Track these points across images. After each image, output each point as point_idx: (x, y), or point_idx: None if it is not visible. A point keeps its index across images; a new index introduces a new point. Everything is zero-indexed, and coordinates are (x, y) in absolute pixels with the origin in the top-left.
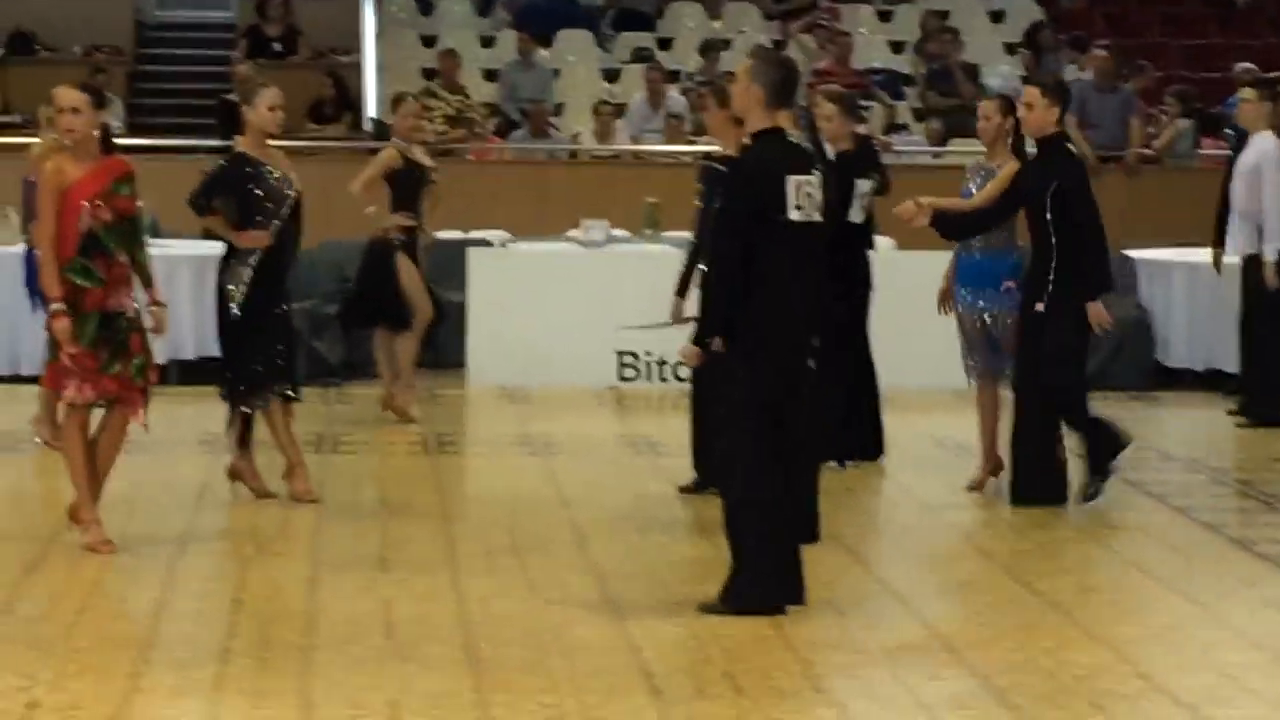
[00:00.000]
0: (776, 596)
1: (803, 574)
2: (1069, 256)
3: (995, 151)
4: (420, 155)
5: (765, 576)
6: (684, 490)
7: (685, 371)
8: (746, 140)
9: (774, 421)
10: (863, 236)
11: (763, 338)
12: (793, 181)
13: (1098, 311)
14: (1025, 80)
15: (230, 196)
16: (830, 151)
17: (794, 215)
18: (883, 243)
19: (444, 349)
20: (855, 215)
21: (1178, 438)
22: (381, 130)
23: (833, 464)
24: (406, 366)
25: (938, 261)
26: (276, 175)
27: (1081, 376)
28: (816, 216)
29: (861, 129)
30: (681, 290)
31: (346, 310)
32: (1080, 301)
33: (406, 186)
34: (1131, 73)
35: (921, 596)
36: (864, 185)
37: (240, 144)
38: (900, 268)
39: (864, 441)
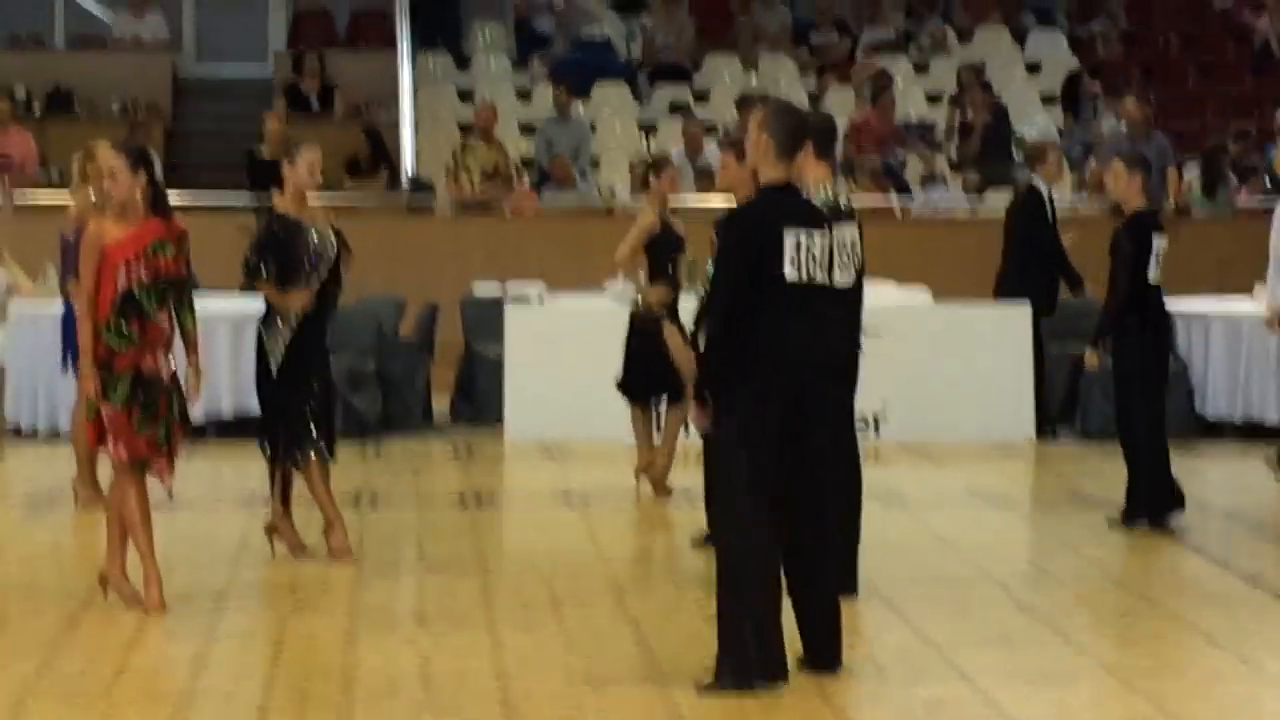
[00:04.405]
0: (763, 674)
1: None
2: None
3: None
4: (674, 220)
5: (749, 651)
6: (698, 543)
7: None
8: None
9: (771, 489)
10: None
11: (756, 396)
12: (790, 238)
13: None
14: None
15: (272, 258)
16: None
17: (788, 272)
18: (919, 294)
19: (482, 404)
20: None
21: (1217, 490)
22: (419, 184)
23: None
24: (672, 435)
25: (974, 314)
26: (317, 235)
27: None
28: (820, 277)
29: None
30: (694, 342)
31: (625, 381)
32: None
33: (663, 253)
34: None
35: (962, 650)
36: None
37: (279, 203)
38: (942, 320)
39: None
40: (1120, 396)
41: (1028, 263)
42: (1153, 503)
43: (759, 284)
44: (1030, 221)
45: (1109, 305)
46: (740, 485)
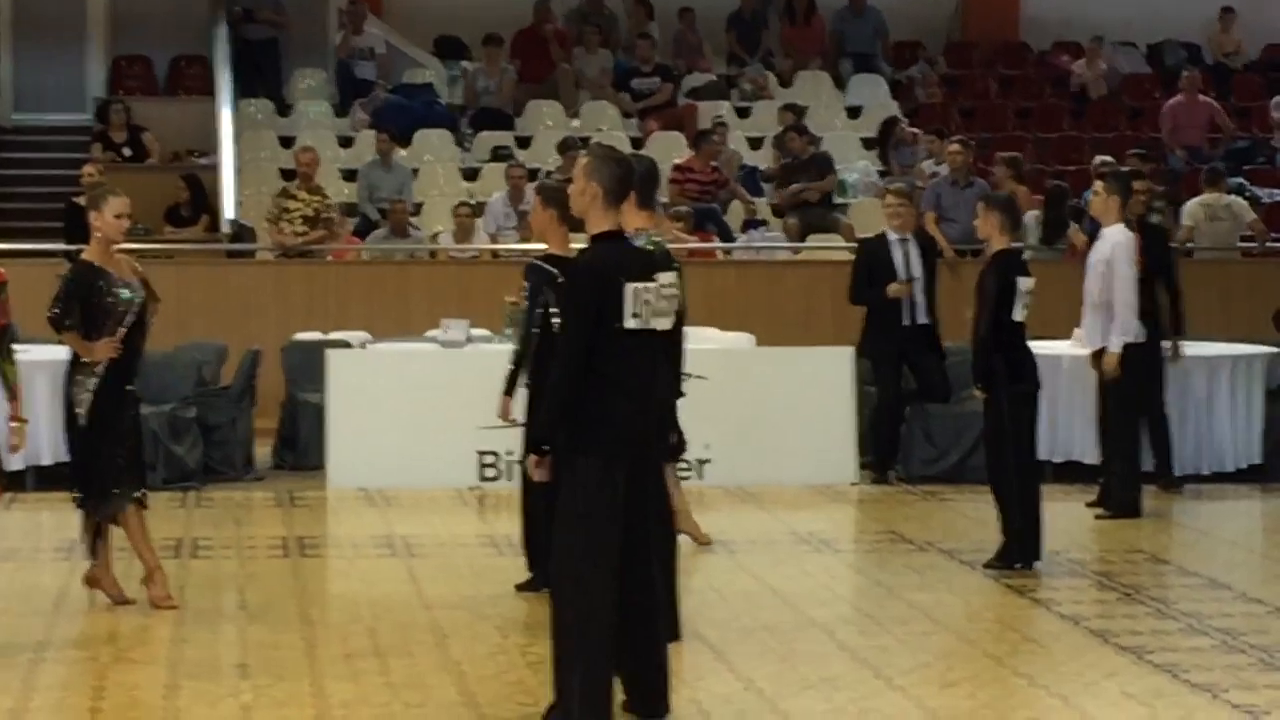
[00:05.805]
0: None
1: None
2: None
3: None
4: None
5: (575, 705)
6: (520, 588)
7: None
8: (584, 245)
9: (613, 533)
10: None
11: (602, 445)
12: (630, 289)
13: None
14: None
15: (78, 306)
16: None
17: (630, 323)
18: (742, 339)
19: (304, 451)
20: None
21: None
22: (241, 232)
23: None
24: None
25: (797, 358)
26: (122, 284)
27: None
28: (655, 323)
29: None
30: (509, 389)
31: None
32: None
33: None
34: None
35: (785, 694)
36: None
37: (87, 252)
38: (765, 364)
39: None
40: (989, 446)
41: (879, 308)
42: (1027, 551)
43: (601, 335)
44: (875, 266)
45: (973, 345)
46: (583, 542)
